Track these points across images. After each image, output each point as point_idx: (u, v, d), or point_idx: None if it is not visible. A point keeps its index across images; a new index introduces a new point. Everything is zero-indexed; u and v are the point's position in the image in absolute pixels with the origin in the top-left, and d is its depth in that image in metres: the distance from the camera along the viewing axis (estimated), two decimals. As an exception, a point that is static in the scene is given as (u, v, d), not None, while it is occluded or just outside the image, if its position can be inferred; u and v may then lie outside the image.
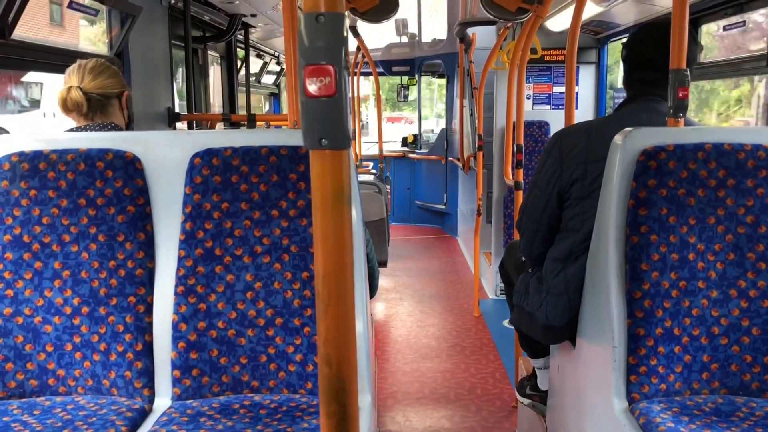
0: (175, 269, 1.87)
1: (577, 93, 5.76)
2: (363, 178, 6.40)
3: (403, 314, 5.44)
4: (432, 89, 12.16)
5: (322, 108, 0.83)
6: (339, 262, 0.85)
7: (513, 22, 4.80)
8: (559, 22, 5.05)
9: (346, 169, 0.86)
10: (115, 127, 2.20)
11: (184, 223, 1.87)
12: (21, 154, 1.87)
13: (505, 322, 4.91)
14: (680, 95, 1.92)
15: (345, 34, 0.81)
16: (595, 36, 5.61)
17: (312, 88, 0.81)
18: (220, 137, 1.93)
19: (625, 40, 5.18)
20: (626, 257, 1.82)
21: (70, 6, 2.85)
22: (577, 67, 5.67)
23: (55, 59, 2.79)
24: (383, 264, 5.65)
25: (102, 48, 3.35)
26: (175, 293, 1.86)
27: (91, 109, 2.19)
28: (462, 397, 3.82)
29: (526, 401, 2.85)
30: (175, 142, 1.94)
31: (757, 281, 1.82)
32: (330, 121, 0.83)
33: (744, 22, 3.45)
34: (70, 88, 2.15)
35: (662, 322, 1.79)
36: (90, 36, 3.50)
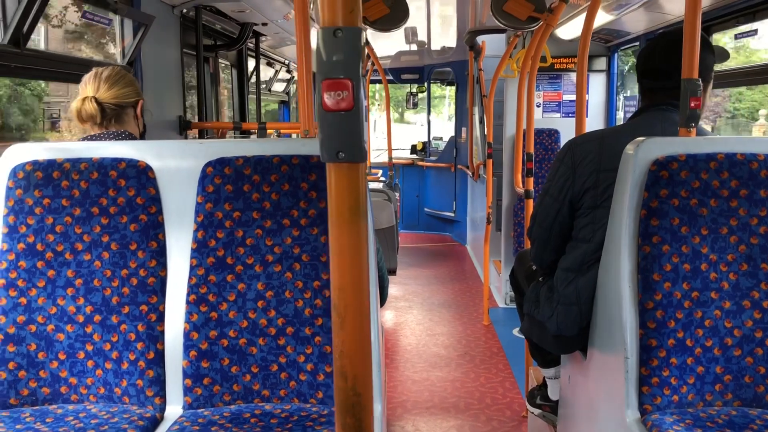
0: (186, 278, 1.88)
1: (587, 101, 5.75)
2: (372, 185, 6.40)
3: (412, 322, 5.43)
4: (452, 95, 12.06)
5: (339, 121, 0.83)
6: (356, 275, 0.86)
7: (523, 30, 4.81)
8: (569, 30, 5.05)
9: (363, 182, 0.86)
10: (129, 136, 2.21)
11: (195, 231, 1.88)
12: (35, 162, 1.89)
13: (515, 331, 4.89)
14: (692, 105, 1.92)
15: (362, 49, 0.82)
16: (605, 44, 5.60)
17: (330, 101, 0.82)
18: (232, 146, 1.94)
19: (635, 48, 5.20)
20: (638, 267, 1.81)
21: (84, 16, 2.87)
22: (588, 75, 5.66)
23: (70, 68, 2.82)
24: (392, 272, 5.65)
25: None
26: (187, 302, 1.87)
27: (106, 118, 2.20)
28: (471, 407, 3.80)
29: (537, 411, 2.84)
30: (187, 151, 1.95)
31: None
32: (347, 135, 0.83)
33: (756, 30, 3.44)
34: (84, 100, 2.16)
35: (675, 332, 1.78)
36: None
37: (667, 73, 2.08)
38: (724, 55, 2.55)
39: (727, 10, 3.49)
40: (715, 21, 3.66)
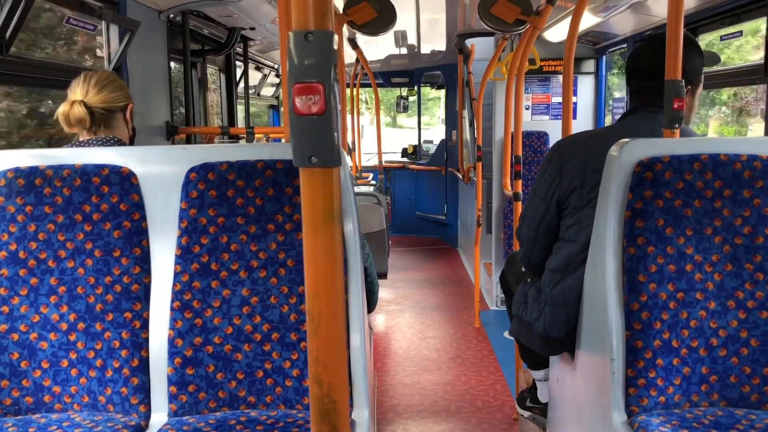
0: (171, 284, 1.87)
1: (575, 103, 5.77)
2: (363, 189, 6.40)
3: (403, 326, 5.42)
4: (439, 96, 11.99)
5: (311, 126, 0.82)
6: (330, 281, 0.85)
7: (511, 33, 4.81)
8: (558, 32, 5.07)
9: (337, 187, 0.85)
10: (118, 142, 2.19)
11: (180, 238, 1.87)
12: (17, 170, 1.87)
13: (506, 333, 4.89)
14: (675, 106, 1.92)
15: (334, 52, 0.81)
16: (593, 46, 5.62)
17: (301, 106, 0.81)
18: (216, 151, 1.93)
19: (623, 50, 5.22)
20: (623, 269, 1.81)
21: (67, 21, 2.85)
22: (576, 77, 5.69)
23: (55, 75, 2.80)
24: (383, 276, 5.63)
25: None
26: (171, 308, 1.85)
27: (95, 123, 2.17)
28: (463, 410, 3.80)
29: (527, 414, 2.83)
30: (170, 156, 1.94)
31: (755, 292, 1.81)
32: (319, 139, 0.82)
33: (741, 32, 3.46)
34: (72, 103, 2.13)
35: (660, 334, 1.78)
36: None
37: (654, 74, 2.08)
38: (714, 59, 2.55)
39: (713, 11, 3.51)
40: (701, 23, 3.68)
